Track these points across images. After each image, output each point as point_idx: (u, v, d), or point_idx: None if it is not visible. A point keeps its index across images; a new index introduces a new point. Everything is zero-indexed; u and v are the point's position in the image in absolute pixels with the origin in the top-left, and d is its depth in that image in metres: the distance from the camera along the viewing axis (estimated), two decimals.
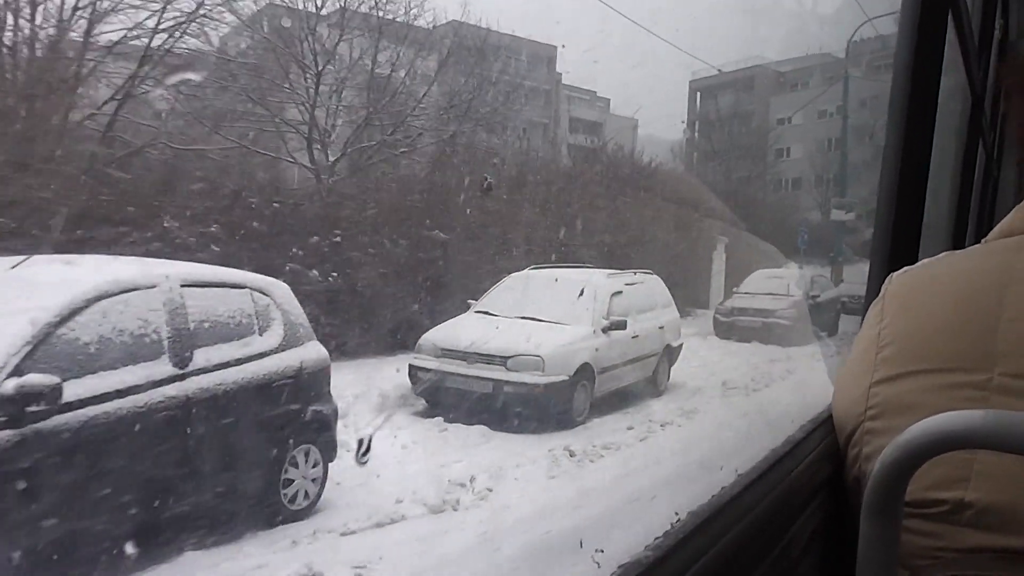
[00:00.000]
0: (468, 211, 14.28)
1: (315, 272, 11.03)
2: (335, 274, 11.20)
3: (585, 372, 8.99)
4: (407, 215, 13.29)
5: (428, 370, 8.78)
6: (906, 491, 0.89)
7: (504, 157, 19.84)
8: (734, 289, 17.11)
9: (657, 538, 0.89)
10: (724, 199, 27.58)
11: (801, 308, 16.12)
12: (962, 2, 2.14)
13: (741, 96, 48.47)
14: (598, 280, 9.89)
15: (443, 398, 8.80)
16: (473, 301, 10.07)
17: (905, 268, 1.29)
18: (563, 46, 42.45)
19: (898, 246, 1.88)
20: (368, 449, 7.52)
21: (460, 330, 9.14)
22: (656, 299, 10.89)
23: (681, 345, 11.49)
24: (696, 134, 46.83)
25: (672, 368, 11.38)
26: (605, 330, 9.39)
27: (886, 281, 1.28)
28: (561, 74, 46.90)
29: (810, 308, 16.45)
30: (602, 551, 0.86)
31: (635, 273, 11.06)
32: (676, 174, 22.20)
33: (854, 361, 1.26)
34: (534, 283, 9.92)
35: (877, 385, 1.16)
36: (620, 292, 10.02)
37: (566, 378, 8.66)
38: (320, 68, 16.19)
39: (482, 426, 8.38)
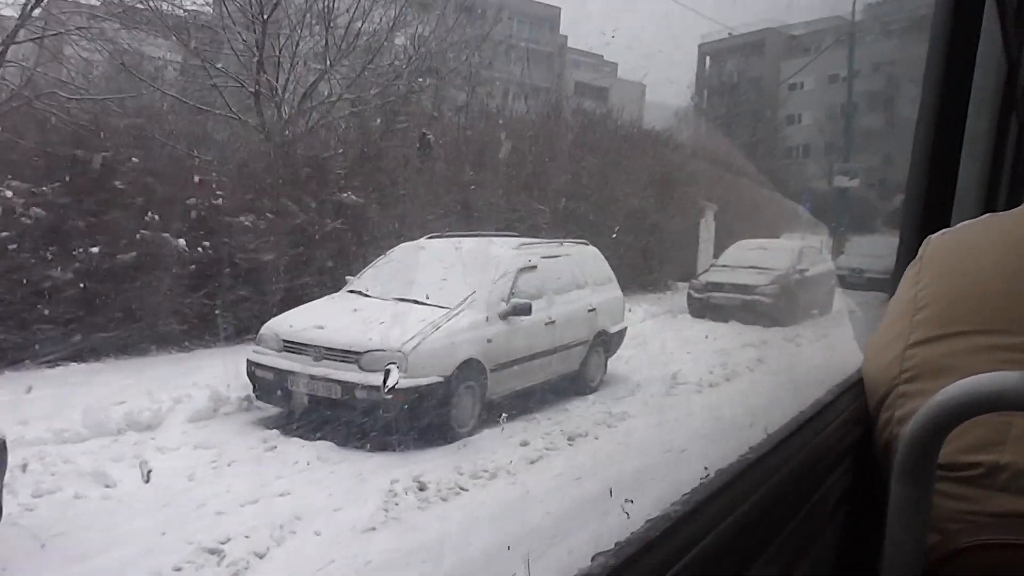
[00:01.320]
0: (398, 172, 12.06)
1: (182, 241, 8.90)
2: (206, 244, 9.06)
3: (471, 370, 6.79)
4: (319, 176, 11.09)
5: (266, 367, 6.63)
6: (939, 453, 0.86)
7: (469, 117, 17.56)
8: (712, 262, 14.76)
9: (685, 494, 0.86)
10: (725, 167, 25.25)
11: (786, 283, 13.76)
12: None
13: (751, 60, 45.88)
14: (502, 252, 7.64)
15: (284, 404, 6.68)
16: (351, 277, 7.87)
17: (943, 230, 1.24)
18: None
19: (931, 212, 1.82)
20: (148, 479, 5.45)
21: (312, 316, 6.96)
22: (587, 275, 8.61)
23: (623, 331, 9.23)
24: (705, 99, 44.37)
25: (612, 358, 9.15)
26: (504, 315, 7.17)
27: (923, 243, 1.23)
28: (566, 37, 44.41)
29: (797, 283, 14.07)
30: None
31: (561, 243, 8.76)
32: (662, 135, 19.73)
33: (889, 324, 1.21)
34: (426, 256, 7.70)
35: (913, 347, 1.12)
36: (532, 267, 7.76)
37: (439, 379, 6.46)
38: (267, 15, 13.92)
39: (327, 442, 6.24)
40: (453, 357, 6.61)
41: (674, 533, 0.80)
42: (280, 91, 13.89)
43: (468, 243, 7.99)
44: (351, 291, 7.49)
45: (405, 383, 6.26)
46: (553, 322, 7.79)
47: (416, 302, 7.10)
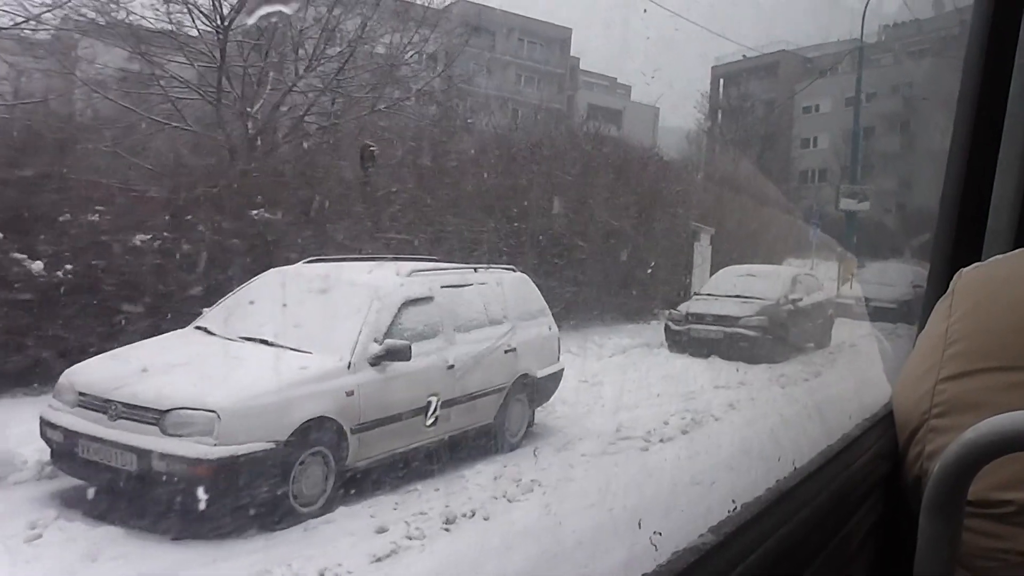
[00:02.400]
0: (333, 189, 10.56)
1: (38, 263, 7.41)
2: (69, 267, 7.56)
3: (321, 432, 5.15)
4: (240, 193, 9.62)
5: (57, 427, 5.06)
6: (969, 490, 0.83)
7: (443, 133, 16.06)
8: (695, 291, 13.03)
9: (713, 526, 0.85)
10: (733, 189, 23.62)
11: (775, 314, 11.99)
12: None
13: (765, 83, 44.37)
14: (383, 281, 6.01)
15: (82, 474, 5.11)
16: (207, 309, 6.29)
17: (975, 264, 1.21)
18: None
19: (961, 245, 1.76)
20: None
21: (133, 359, 5.37)
22: (508, 308, 6.96)
23: (558, 374, 7.56)
24: (719, 122, 42.88)
25: (544, 406, 7.51)
26: (375, 360, 5.54)
27: (955, 277, 1.20)
28: (578, 59, 43.03)
29: (789, 314, 12.30)
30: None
31: (475, 269, 7.11)
32: (653, 153, 18.09)
33: (919, 358, 1.18)
34: (294, 285, 6.10)
35: (944, 382, 1.09)
36: (426, 299, 6.13)
37: (269, 445, 4.84)
38: (228, 22, 12.55)
39: (116, 529, 4.66)
40: (292, 416, 4.98)
41: (702, 566, 0.77)
42: (243, 103, 12.55)
43: (348, 269, 6.38)
44: (198, 327, 5.91)
45: (216, 452, 4.66)
46: (452, 366, 6.15)
47: (265, 342, 5.51)
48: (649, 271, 14.82)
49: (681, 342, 11.91)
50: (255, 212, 9.00)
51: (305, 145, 12.80)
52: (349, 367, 5.40)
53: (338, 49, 14.27)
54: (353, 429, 5.36)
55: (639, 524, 0.94)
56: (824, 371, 11.42)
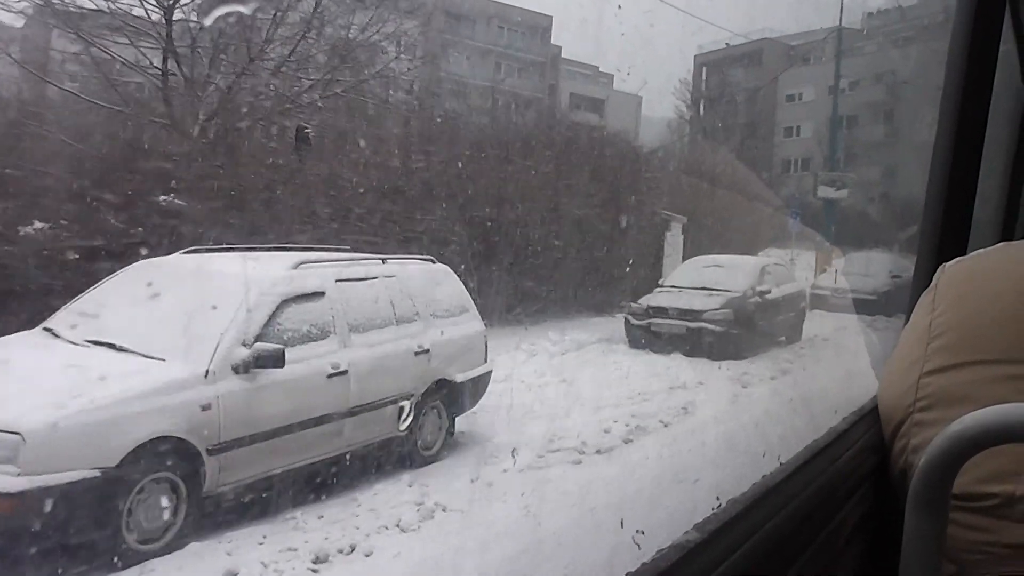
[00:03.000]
0: (261, 175, 9.66)
1: None
2: None
3: (163, 455, 4.28)
4: (156, 178, 8.72)
5: None
6: (954, 483, 0.83)
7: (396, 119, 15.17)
8: (660, 282, 12.17)
9: (698, 523, 0.84)
10: (711, 179, 22.86)
11: (741, 308, 11.14)
12: None
13: (749, 71, 43.59)
14: (261, 275, 5.12)
15: None
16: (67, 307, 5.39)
17: (958, 258, 1.21)
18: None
19: (947, 238, 1.76)
20: None
21: None
22: (422, 304, 6.08)
23: (484, 377, 6.69)
24: (701, 111, 42.14)
25: (468, 413, 6.65)
26: (242, 367, 4.66)
27: (938, 271, 1.20)
28: (560, 47, 42.16)
29: (756, 307, 11.46)
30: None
31: (384, 260, 6.20)
32: (625, 142, 17.20)
33: (903, 351, 1.17)
34: (165, 280, 5.21)
35: (929, 375, 1.08)
36: (314, 295, 5.24)
37: (94, 473, 3.96)
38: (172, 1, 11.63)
39: None
40: (125, 436, 4.10)
41: (688, 562, 0.76)
42: (193, 87, 11.64)
43: (224, 261, 5.49)
44: (45, 328, 5.02)
45: (19, 483, 3.79)
46: (345, 372, 5.28)
47: (113, 347, 4.63)
48: (617, 262, 13.99)
49: (642, 338, 11.06)
50: (164, 198, 8.09)
51: (244, 127, 11.90)
52: (207, 376, 4.52)
53: (295, 31, 13.39)
54: (211, 449, 4.48)
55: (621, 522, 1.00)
56: (792, 368, 10.59)
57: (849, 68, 41.78)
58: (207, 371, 4.53)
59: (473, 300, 11.40)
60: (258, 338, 4.79)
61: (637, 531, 0.95)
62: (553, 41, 40.52)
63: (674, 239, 17.04)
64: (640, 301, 11.23)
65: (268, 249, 6.08)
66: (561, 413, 7.49)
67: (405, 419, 5.77)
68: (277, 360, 4.72)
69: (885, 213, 27.47)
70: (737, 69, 42.57)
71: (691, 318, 10.81)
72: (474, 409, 6.80)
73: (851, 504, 1.14)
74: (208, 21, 11.77)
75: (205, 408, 4.46)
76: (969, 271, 1.16)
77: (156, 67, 11.60)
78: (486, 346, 6.76)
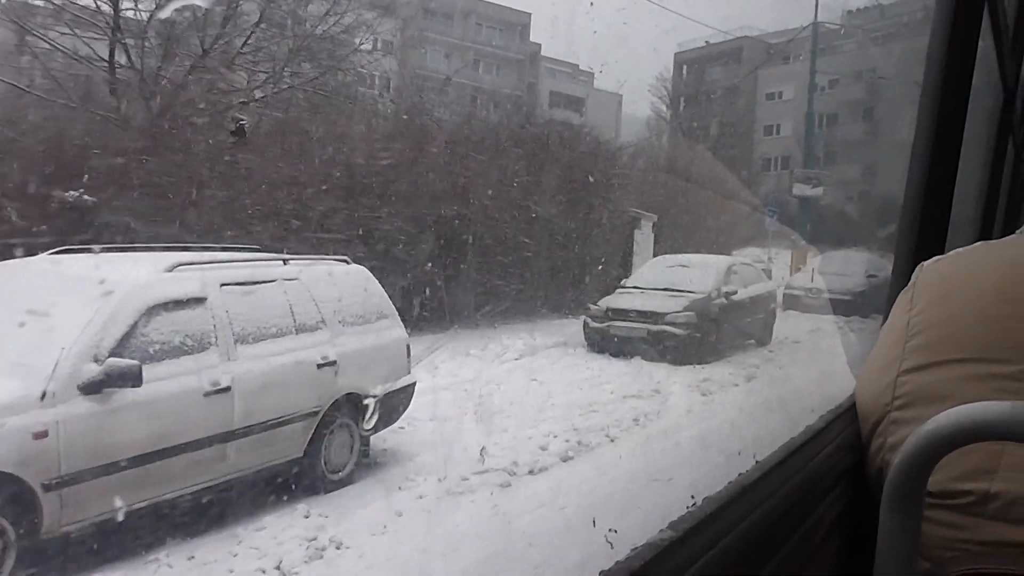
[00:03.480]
0: (186, 168, 8.93)
1: None
2: None
3: None
4: (71, 173, 8.00)
5: None
6: (928, 481, 0.82)
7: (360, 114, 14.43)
8: (623, 282, 11.51)
9: (673, 521, 0.82)
10: (686, 177, 22.30)
11: (705, 309, 10.49)
12: None
13: (728, 69, 43.13)
14: (124, 279, 4.40)
15: None
16: None
17: (937, 257, 1.19)
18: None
19: (925, 237, 1.75)
20: None
21: None
22: (331, 310, 5.39)
23: (406, 390, 5.97)
24: (680, 109, 41.66)
25: (389, 430, 5.96)
26: (90, 387, 3.96)
27: (916, 270, 1.18)
28: (540, 45, 41.61)
29: (722, 309, 10.81)
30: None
31: (285, 261, 5.49)
32: (593, 138, 16.53)
33: (881, 350, 1.16)
34: (17, 285, 4.50)
35: (906, 374, 1.06)
36: (191, 302, 4.54)
37: None
38: None
39: None
40: None
41: (662, 561, 0.76)
42: (144, 79, 10.90)
43: (86, 264, 4.76)
44: None
45: None
46: (227, 389, 4.58)
47: None
48: (585, 261, 13.33)
49: (601, 341, 10.40)
50: (71, 194, 7.36)
51: (188, 121, 11.16)
52: (43, 397, 3.80)
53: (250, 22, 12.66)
54: (48, 484, 3.77)
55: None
56: (758, 373, 9.96)
57: (830, 66, 41.37)
58: (44, 392, 3.81)
59: (433, 301, 10.82)
60: (114, 352, 4.08)
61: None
62: (533, 39, 39.88)
63: (644, 238, 16.40)
64: (600, 303, 10.57)
65: (152, 249, 5.36)
66: (499, 427, 6.81)
67: (309, 440, 5.08)
68: (133, 378, 4.01)
69: (864, 211, 26.98)
70: (717, 67, 42.14)
71: (652, 320, 10.15)
72: (401, 424, 6.12)
73: (828, 502, 1.13)
74: (163, 14, 11.08)
75: (40, 435, 3.75)
76: (947, 270, 1.15)
77: (103, 59, 10.90)
78: (409, 355, 6.06)
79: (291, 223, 9.33)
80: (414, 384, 6.05)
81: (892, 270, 1.80)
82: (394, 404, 5.84)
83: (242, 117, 9.40)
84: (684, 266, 11.21)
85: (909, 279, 1.17)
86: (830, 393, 1.37)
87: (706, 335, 10.32)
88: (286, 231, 9.13)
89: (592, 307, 10.58)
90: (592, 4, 9.90)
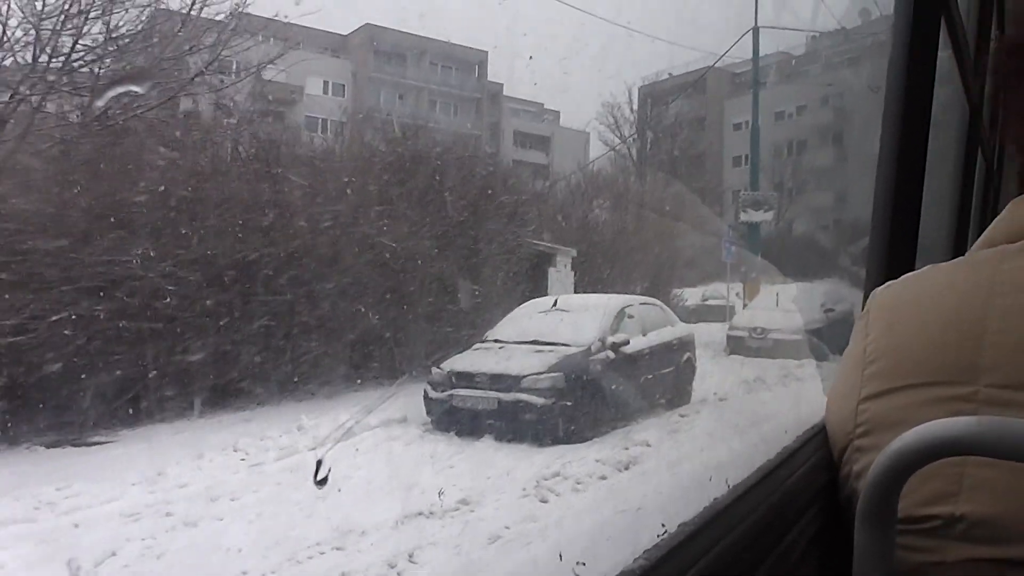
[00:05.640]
0: None
1: None
2: None
3: None
4: None
5: None
6: (899, 501, 0.81)
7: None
8: (487, 334, 8.60)
9: (647, 549, 0.79)
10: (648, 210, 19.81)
11: (580, 368, 7.58)
12: (956, 11, 1.94)
13: (694, 100, 40.95)
14: None
15: None
16: None
17: (888, 283, 1.16)
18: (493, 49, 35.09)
19: (894, 260, 1.69)
20: None
21: None
22: None
23: None
24: (648, 143, 39.38)
25: None
26: None
27: (870, 297, 1.16)
28: (501, 84, 39.28)
29: (607, 366, 7.90)
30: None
31: None
32: (491, 162, 13.82)
33: (842, 378, 1.13)
34: None
35: (865, 401, 1.04)
36: None
37: None
38: None
39: None
40: None
41: None
42: None
43: None
44: None
45: None
46: None
47: None
48: (462, 309, 10.45)
49: (444, 416, 7.49)
50: None
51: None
52: None
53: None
54: None
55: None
56: (645, 456, 7.01)
57: (794, 93, 39.08)
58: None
59: (219, 370, 8.00)
60: None
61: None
62: (497, 80, 37.64)
63: (561, 276, 13.55)
64: (444, 364, 7.67)
65: None
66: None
67: None
68: None
69: (818, 237, 24.39)
70: (681, 98, 39.98)
71: (504, 387, 7.25)
72: None
73: (804, 521, 1.08)
74: None
75: None
76: (898, 295, 1.12)
77: None
78: None
79: None
80: None
81: (863, 297, 1.58)
82: None
83: None
84: (563, 310, 8.31)
85: None
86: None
87: (581, 403, 7.40)
88: None
89: (435, 370, 7.70)
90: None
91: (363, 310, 9.23)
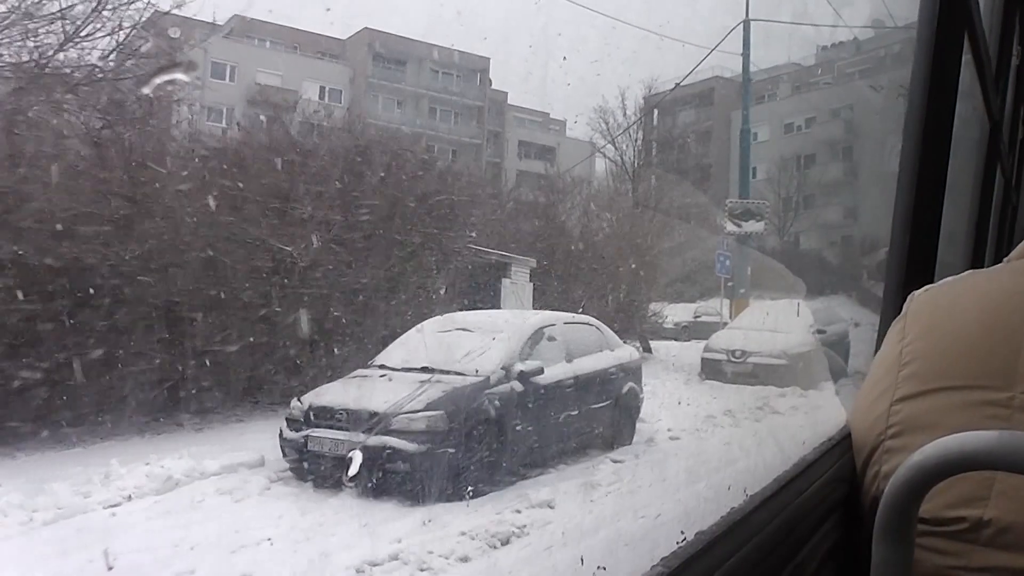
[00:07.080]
0: None
1: None
2: None
3: None
4: None
5: None
6: (919, 511, 0.78)
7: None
8: (371, 361, 6.89)
9: (664, 557, 0.77)
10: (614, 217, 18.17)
11: (473, 404, 5.89)
12: (979, 27, 1.95)
13: (701, 111, 39.28)
14: None
15: None
16: None
17: (927, 287, 1.15)
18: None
19: (914, 269, 1.68)
20: None
21: None
22: None
23: None
24: (654, 154, 37.77)
25: None
26: None
27: (908, 300, 1.14)
28: (506, 93, 37.95)
29: (508, 401, 6.18)
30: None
31: None
32: (428, 158, 12.21)
33: (875, 380, 1.11)
34: None
35: (899, 403, 1.03)
36: None
37: None
38: None
39: None
40: None
41: None
42: None
43: None
44: None
45: None
46: None
47: None
48: (382, 327, 8.79)
49: (299, 462, 5.83)
50: None
51: None
52: None
53: None
54: None
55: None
56: (545, 525, 5.29)
57: (805, 104, 37.23)
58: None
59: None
60: None
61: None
62: (502, 88, 36.28)
63: (516, 288, 11.86)
64: (304, 397, 6.01)
65: None
66: None
67: None
68: None
69: (825, 252, 22.62)
70: (688, 109, 38.40)
71: (370, 427, 5.57)
72: None
73: (820, 534, 1.05)
74: None
75: None
76: (937, 299, 1.10)
77: None
78: None
79: None
80: None
81: (883, 300, 1.71)
82: None
83: None
84: (465, 330, 6.62)
85: (899, 309, 1.14)
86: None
87: (470, 449, 5.70)
88: None
89: (293, 403, 6.04)
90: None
91: (249, 324, 7.61)
